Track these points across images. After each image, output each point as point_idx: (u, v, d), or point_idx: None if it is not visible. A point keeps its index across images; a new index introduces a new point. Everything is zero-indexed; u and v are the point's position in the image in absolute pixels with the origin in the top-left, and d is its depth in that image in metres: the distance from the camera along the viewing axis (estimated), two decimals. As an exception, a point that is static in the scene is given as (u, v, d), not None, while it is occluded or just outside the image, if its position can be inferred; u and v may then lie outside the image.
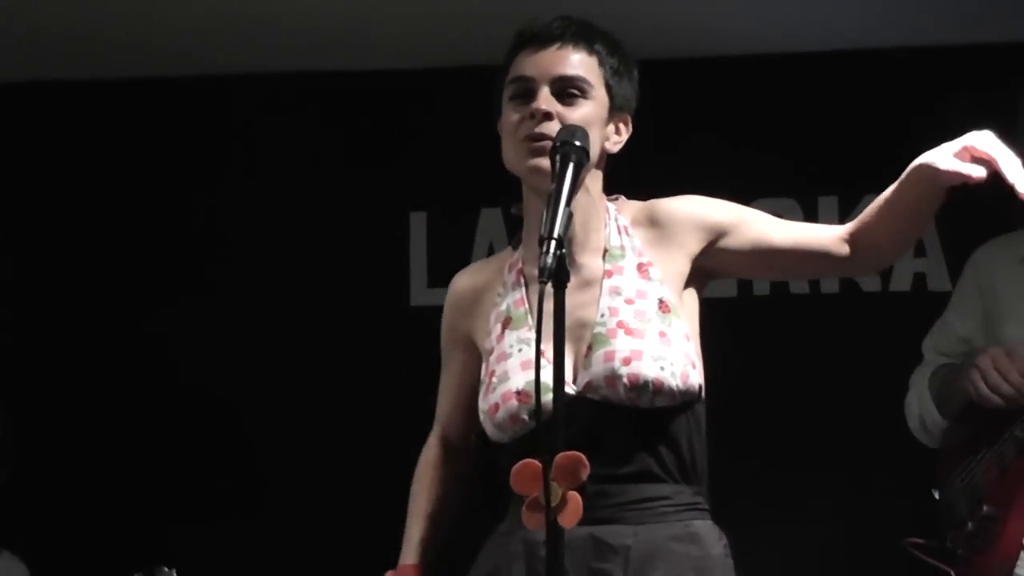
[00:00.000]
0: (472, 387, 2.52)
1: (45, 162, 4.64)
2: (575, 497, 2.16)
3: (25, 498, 4.32)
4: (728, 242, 2.47)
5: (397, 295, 4.50)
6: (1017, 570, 3.14)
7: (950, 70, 4.36)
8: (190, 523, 4.37)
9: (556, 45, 2.43)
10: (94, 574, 4.38)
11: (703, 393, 2.40)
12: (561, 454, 2.14)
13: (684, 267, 2.45)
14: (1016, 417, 3.15)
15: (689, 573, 2.31)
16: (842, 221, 4.51)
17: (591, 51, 2.45)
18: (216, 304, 4.52)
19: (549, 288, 2.11)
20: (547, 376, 2.24)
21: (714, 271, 2.50)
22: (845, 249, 2.48)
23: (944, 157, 2.32)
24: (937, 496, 3.39)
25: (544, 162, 2.35)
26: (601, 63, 2.45)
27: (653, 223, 2.46)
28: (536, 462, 2.15)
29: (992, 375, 3.18)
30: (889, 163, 4.36)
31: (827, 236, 2.50)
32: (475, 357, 2.52)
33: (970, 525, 3.15)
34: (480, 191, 4.48)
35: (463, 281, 2.59)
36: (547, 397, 2.20)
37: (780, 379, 4.26)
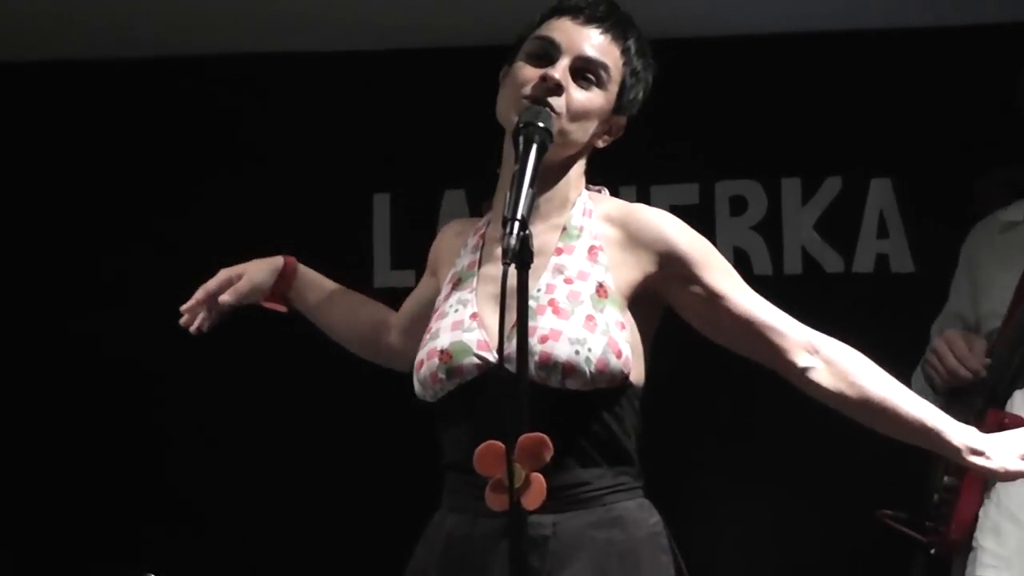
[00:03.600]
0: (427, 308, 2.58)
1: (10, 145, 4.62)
2: (538, 478, 2.16)
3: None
4: (680, 282, 2.38)
5: (361, 277, 4.44)
6: (976, 538, 3.15)
7: (914, 53, 4.37)
8: (163, 524, 4.39)
9: (596, 28, 2.40)
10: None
11: (631, 379, 2.32)
12: (524, 435, 2.14)
13: (636, 276, 2.37)
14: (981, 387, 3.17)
15: (612, 560, 2.25)
16: (804, 203, 4.61)
17: (623, 47, 2.42)
18: (179, 289, 4.49)
19: (512, 268, 2.09)
20: (470, 338, 2.30)
21: (667, 301, 2.40)
22: (804, 362, 2.42)
23: (1002, 459, 2.37)
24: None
25: None
26: (626, 62, 2.43)
27: (623, 225, 2.40)
28: (499, 443, 2.15)
29: (949, 359, 3.19)
30: (852, 145, 4.43)
31: (790, 335, 2.43)
32: (437, 291, 2.56)
33: (936, 496, 3.17)
34: (443, 173, 4.47)
35: (453, 229, 2.61)
36: (469, 360, 2.29)
37: (743, 358, 4.26)
